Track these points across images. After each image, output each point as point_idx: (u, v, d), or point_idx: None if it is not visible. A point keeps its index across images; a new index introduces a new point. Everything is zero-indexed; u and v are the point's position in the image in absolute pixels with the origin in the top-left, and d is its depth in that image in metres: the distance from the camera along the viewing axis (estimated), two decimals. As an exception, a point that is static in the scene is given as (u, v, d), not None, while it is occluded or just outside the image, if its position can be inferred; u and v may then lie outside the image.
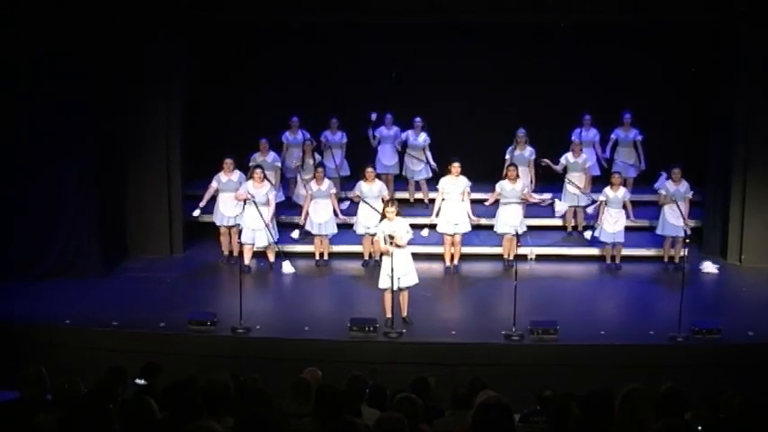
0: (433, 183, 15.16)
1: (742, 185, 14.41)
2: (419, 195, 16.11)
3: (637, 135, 15.62)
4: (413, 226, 14.06)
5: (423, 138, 15.63)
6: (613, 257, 14.30)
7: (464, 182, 13.96)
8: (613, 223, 14.00)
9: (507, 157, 14.96)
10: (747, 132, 14.28)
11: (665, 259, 14.35)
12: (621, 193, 14.07)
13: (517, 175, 14.11)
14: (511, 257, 13.97)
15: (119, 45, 13.77)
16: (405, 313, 12.16)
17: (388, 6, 14.06)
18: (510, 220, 13.99)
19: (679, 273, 13.20)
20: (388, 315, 12.06)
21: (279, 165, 14.98)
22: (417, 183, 15.93)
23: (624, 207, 14.14)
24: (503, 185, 14.01)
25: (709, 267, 14.19)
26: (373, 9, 14.06)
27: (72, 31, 13.20)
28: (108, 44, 13.60)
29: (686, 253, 12.74)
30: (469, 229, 14.13)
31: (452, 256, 14.20)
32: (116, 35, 13.68)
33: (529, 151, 15.04)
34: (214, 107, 16.38)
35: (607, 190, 14.10)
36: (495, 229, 14.30)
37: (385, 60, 16.38)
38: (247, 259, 13.96)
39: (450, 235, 14.09)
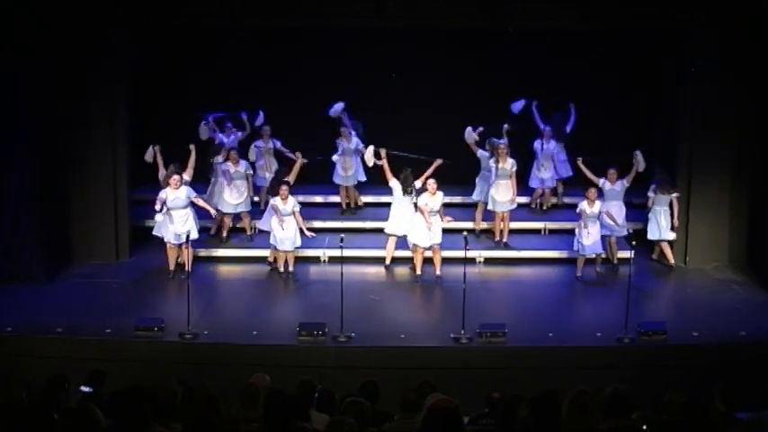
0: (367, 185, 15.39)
1: (686, 188, 14.61)
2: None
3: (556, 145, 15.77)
4: (345, 230, 14.34)
5: (354, 142, 15.58)
6: (593, 260, 14.19)
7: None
8: (587, 236, 13.88)
9: (492, 167, 14.61)
10: (690, 136, 14.48)
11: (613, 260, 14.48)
12: (597, 207, 13.92)
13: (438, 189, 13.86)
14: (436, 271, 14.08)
15: (65, 48, 13.58)
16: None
17: (341, 11, 14.00)
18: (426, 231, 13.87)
19: (616, 273, 14.01)
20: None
21: (250, 173, 14.82)
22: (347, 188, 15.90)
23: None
24: (425, 199, 13.76)
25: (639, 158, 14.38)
26: (324, 14, 13.99)
27: (18, 32, 13.00)
28: (53, 47, 13.40)
29: (632, 255, 12.86)
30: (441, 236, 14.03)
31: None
32: (63, 38, 13.49)
33: (510, 163, 14.70)
34: (164, 110, 16.23)
35: (584, 205, 13.92)
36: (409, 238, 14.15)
37: (340, 67, 16.27)
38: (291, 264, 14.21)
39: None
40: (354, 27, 14.90)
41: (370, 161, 14.48)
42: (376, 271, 14.41)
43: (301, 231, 14.01)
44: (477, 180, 15.26)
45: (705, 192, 14.61)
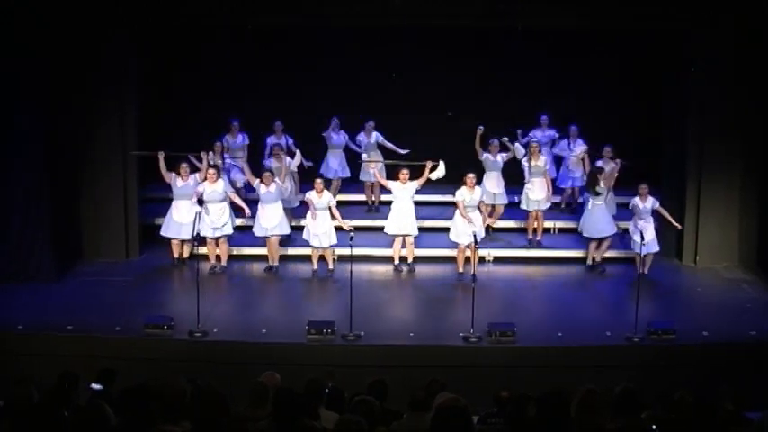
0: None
1: (696, 187, 14.57)
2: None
3: (582, 144, 15.62)
4: (368, 229, 14.33)
5: (374, 136, 15.62)
6: (643, 262, 13.81)
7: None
8: (643, 232, 13.44)
9: (525, 166, 14.60)
10: (700, 133, 14.44)
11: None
12: (650, 203, 13.71)
13: (477, 183, 13.87)
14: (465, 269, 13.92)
15: (72, 47, 13.61)
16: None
17: (343, 11, 14.00)
18: (470, 228, 13.84)
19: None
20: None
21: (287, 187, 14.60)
22: (371, 185, 15.91)
23: (657, 214, 13.84)
24: (462, 194, 13.81)
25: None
26: (328, 13, 14.01)
27: (25, 33, 13.02)
28: (61, 45, 13.43)
29: (642, 254, 12.81)
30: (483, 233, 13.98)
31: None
32: (69, 37, 13.52)
33: (543, 161, 14.69)
34: (164, 110, 16.26)
35: (636, 200, 13.70)
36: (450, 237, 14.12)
37: (340, 65, 16.31)
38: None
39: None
40: (355, 27, 14.93)
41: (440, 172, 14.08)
42: (385, 270, 14.40)
43: (339, 227, 13.90)
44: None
45: (715, 192, 14.57)
